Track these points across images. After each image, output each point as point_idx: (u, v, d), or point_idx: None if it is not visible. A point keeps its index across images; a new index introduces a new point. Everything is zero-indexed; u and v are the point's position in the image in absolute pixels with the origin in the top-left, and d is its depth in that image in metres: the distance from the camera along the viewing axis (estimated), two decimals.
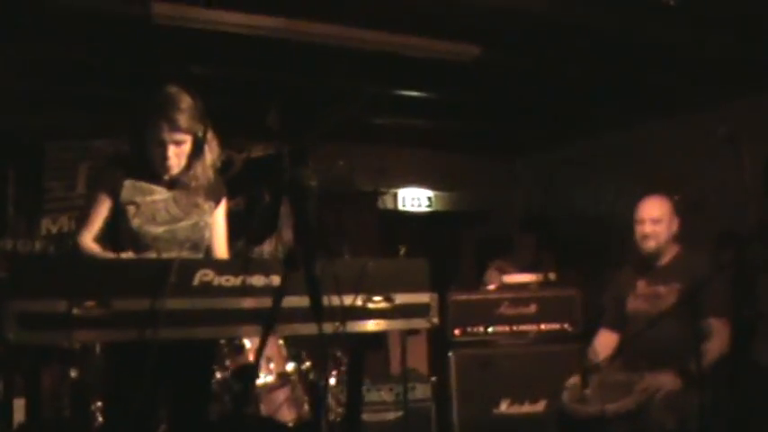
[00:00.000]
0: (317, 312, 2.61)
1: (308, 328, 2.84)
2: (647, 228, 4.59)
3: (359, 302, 3.00)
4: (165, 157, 3.29)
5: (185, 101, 3.28)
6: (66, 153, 7.01)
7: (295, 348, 4.79)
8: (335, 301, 2.79)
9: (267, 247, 7.17)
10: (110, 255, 3.21)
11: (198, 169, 3.39)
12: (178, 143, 3.29)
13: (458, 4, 4.96)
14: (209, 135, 3.40)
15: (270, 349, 4.62)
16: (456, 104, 7.41)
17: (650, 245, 4.60)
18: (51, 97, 6.53)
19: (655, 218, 4.59)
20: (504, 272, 6.73)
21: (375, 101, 6.91)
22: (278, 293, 2.58)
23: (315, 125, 7.23)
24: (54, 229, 6.91)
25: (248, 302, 2.83)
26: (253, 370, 3.38)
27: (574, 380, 4.43)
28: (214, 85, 3.49)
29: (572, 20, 5.22)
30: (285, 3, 4.97)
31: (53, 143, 6.99)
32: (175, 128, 3.25)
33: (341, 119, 7.14)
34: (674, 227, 4.62)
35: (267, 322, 2.61)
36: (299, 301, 2.69)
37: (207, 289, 2.78)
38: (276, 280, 2.81)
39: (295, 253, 2.56)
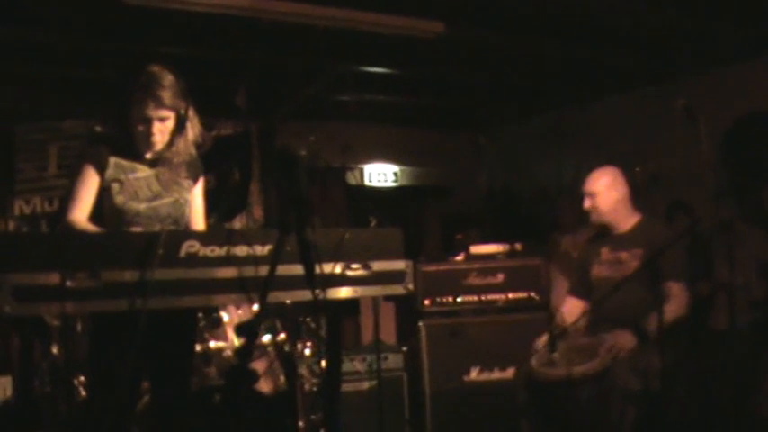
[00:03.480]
0: (310, 277, 2.73)
1: (291, 296, 2.98)
2: (587, 202, 4.74)
3: (338, 270, 3.13)
4: (149, 134, 3.37)
5: (168, 78, 3.36)
6: (37, 134, 7.03)
7: (270, 320, 4.87)
8: (316, 269, 2.91)
9: (237, 224, 7.24)
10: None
11: (180, 145, 3.47)
12: (162, 120, 3.37)
13: None
14: (191, 112, 3.48)
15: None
16: (420, 81, 7.51)
17: (592, 217, 4.77)
18: (20, 79, 6.53)
19: (591, 192, 4.71)
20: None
21: (340, 78, 7.00)
22: (274, 259, 2.70)
23: (282, 103, 7.32)
24: (27, 210, 6.96)
25: (232, 272, 2.93)
26: (255, 326, 3.48)
27: (542, 340, 4.59)
28: (182, 64, 3.55)
29: None
30: None
31: (23, 125, 7.01)
32: (160, 105, 3.33)
33: (307, 96, 7.23)
34: (618, 196, 4.69)
35: (264, 287, 2.73)
36: (284, 269, 2.83)
37: (193, 260, 2.88)
38: (259, 250, 2.94)
39: (288, 219, 2.67)
